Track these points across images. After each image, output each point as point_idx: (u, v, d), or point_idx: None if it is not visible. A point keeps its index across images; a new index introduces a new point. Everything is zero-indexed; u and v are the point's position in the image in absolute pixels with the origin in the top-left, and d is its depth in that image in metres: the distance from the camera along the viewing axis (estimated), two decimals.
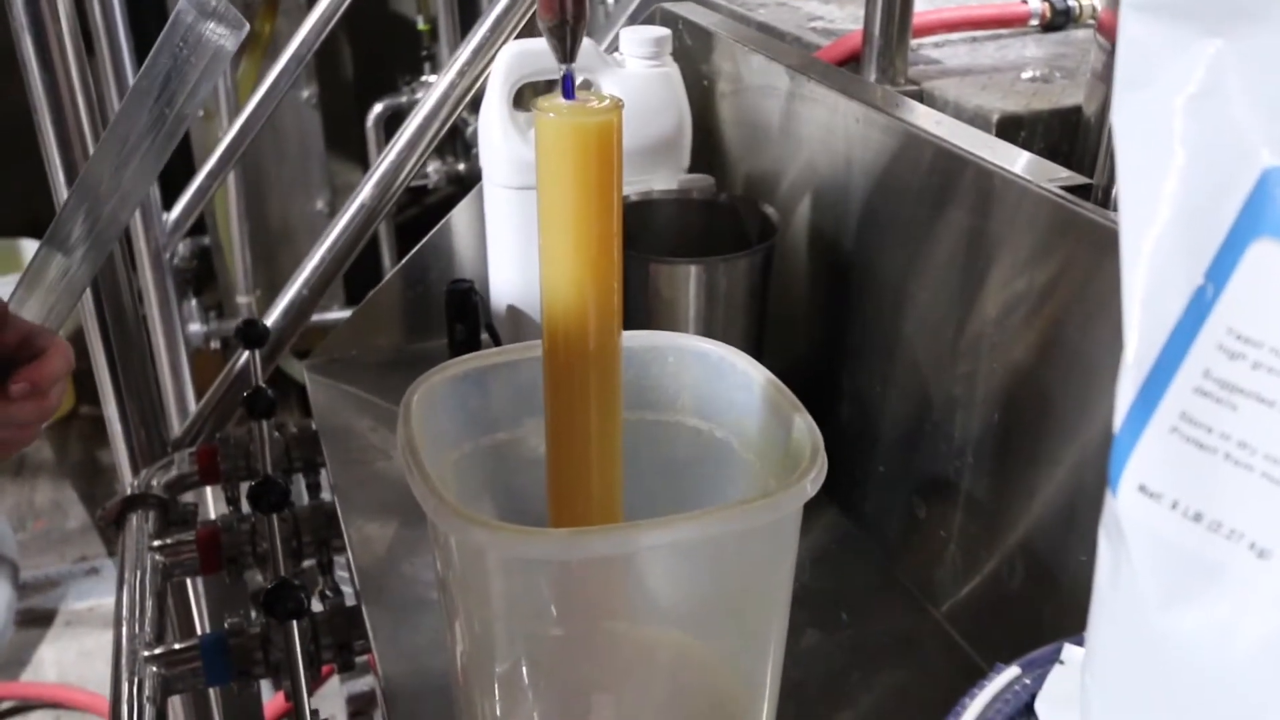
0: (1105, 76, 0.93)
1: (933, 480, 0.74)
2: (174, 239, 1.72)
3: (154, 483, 0.98)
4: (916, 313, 0.75)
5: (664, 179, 0.98)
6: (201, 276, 2.61)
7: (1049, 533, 0.64)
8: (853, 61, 1.12)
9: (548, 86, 1.06)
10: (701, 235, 0.88)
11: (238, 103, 2.12)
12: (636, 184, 0.95)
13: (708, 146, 1.01)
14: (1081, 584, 0.61)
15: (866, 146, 0.81)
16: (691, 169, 1.00)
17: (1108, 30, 0.92)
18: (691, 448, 0.67)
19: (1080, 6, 1.25)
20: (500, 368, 0.64)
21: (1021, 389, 0.65)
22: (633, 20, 1.30)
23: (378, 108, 2.41)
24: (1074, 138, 1.05)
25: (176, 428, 1.60)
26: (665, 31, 0.97)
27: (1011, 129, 1.02)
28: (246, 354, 1.04)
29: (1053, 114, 1.04)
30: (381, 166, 1.05)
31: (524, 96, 1.00)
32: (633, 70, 0.97)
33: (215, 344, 2.36)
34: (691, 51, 1.02)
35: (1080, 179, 0.62)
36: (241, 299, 2.33)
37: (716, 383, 0.65)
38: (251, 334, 1.00)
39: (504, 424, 0.66)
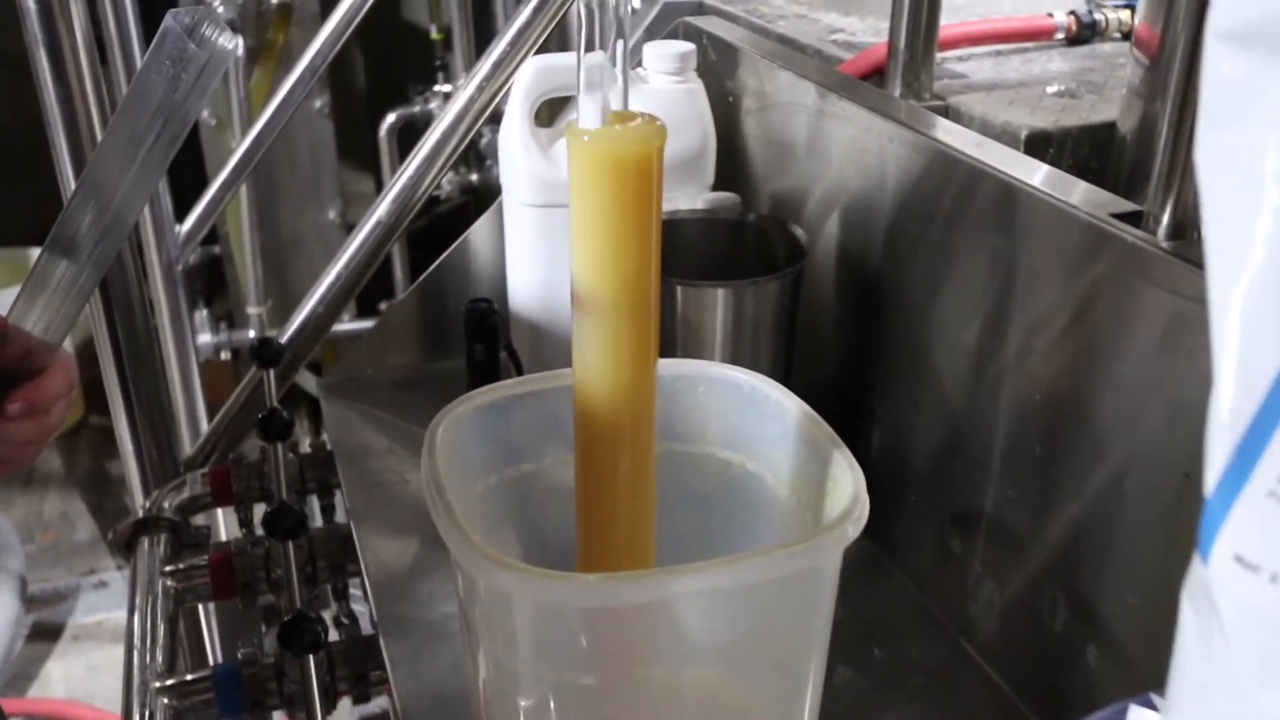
0: (1142, 92, 0.90)
1: (967, 511, 0.72)
2: (186, 251, 1.70)
3: (166, 505, 0.96)
4: (949, 337, 0.73)
5: (689, 197, 0.96)
6: (211, 286, 2.60)
7: (1092, 570, 0.62)
8: (876, 75, 1.11)
9: (560, 104, 1.05)
10: (728, 256, 0.86)
11: (249, 113, 2.11)
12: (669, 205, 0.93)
13: (733, 164, 0.99)
14: (1131, 627, 0.59)
15: (898, 165, 0.79)
16: (716, 186, 0.98)
17: (1145, 45, 0.90)
18: (722, 480, 0.65)
19: (1107, 20, 1.23)
20: (525, 398, 0.62)
21: (1062, 421, 0.63)
22: (650, 33, 1.28)
23: (390, 117, 2.40)
24: (1104, 154, 1.03)
25: (187, 443, 1.58)
26: (690, 47, 0.95)
27: (1040, 145, 1.00)
28: (260, 372, 1.02)
29: (1082, 130, 1.02)
30: (399, 182, 1.03)
31: (543, 112, 0.99)
32: (657, 86, 0.95)
33: (226, 355, 2.34)
34: (716, 67, 1.00)
35: (1129, 205, 0.60)
36: (252, 310, 2.32)
37: (749, 414, 0.63)
38: (266, 353, 0.98)
39: (529, 455, 0.63)
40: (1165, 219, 0.57)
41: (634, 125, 0.49)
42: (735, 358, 0.79)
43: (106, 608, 2.25)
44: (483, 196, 2.34)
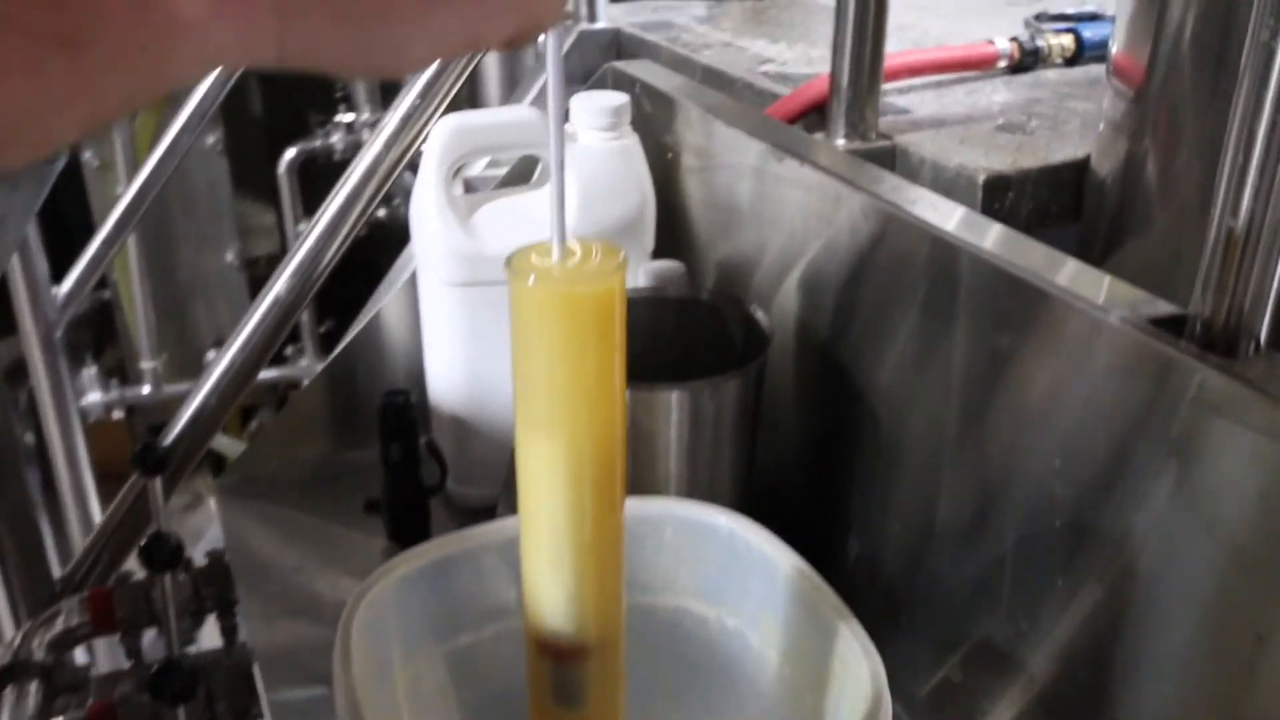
0: (1125, 127, 0.82)
1: (975, 644, 0.62)
2: (67, 313, 1.56)
3: (36, 642, 0.83)
4: (934, 436, 0.64)
5: (630, 267, 0.85)
6: (101, 335, 2.43)
7: None
8: (815, 111, 1.02)
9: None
10: (678, 341, 0.76)
11: (135, 155, 1.95)
12: None
13: (674, 227, 0.89)
14: None
15: (860, 236, 0.69)
16: (657, 253, 0.88)
17: (1126, 75, 0.81)
18: (696, 636, 0.54)
19: (1050, 47, 1.17)
20: (458, 559, 0.51)
21: (1093, 557, 0.54)
22: (570, 77, 1.18)
23: (290, 153, 2.25)
24: (1065, 196, 0.96)
25: (77, 531, 1.44)
26: (623, 99, 0.85)
27: (999, 190, 0.93)
28: (143, 480, 0.89)
29: (1042, 172, 0.96)
30: (298, 256, 0.91)
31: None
32: (587, 144, 0.84)
33: (118, 414, 2.18)
34: (651, 120, 0.90)
35: (1168, 308, 0.51)
36: (146, 364, 2.15)
37: (727, 562, 0.53)
38: (149, 459, 0.85)
39: (468, 625, 0.53)
40: (1213, 323, 0.48)
41: (587, 260, 0.39)
42: (693, 465, 0.69)
43: None
44: (391, 233, 2.21)
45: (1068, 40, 1.16)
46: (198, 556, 1.29)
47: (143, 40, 0.23)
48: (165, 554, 0.77)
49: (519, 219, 0.83)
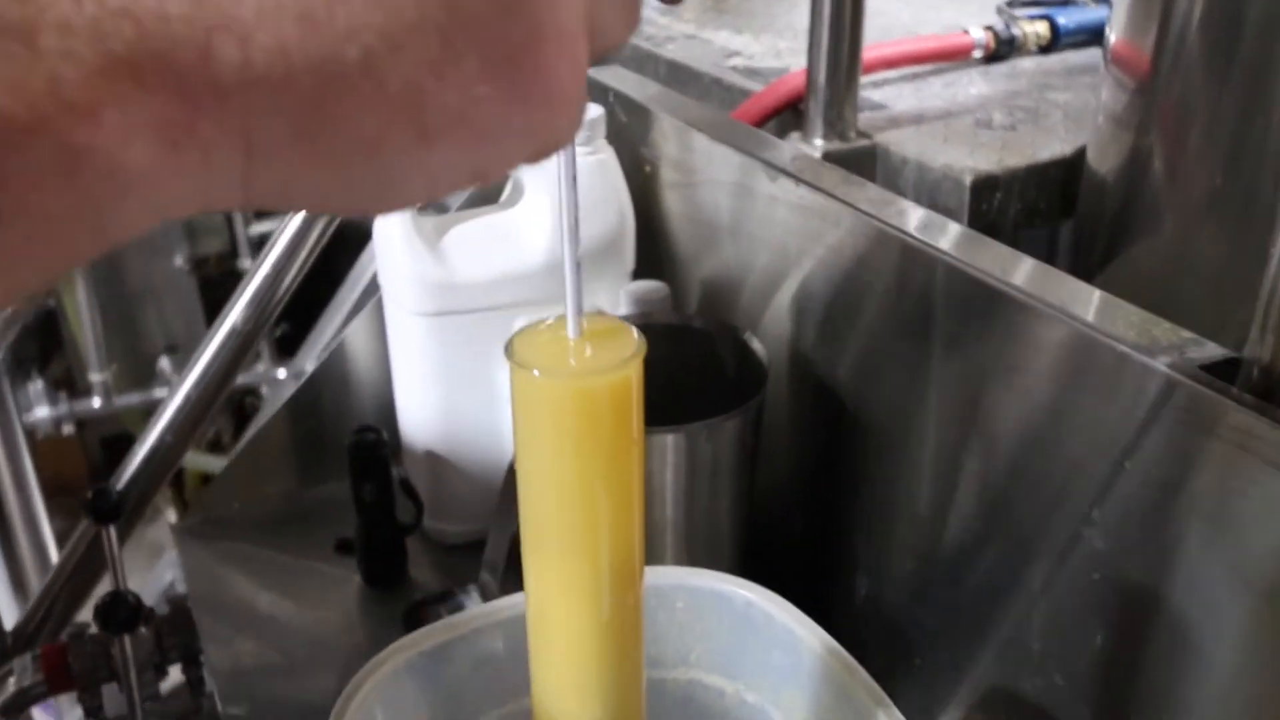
0: (1128, 121, 0.78)
1: (1004, 694, 0.59)
2: (8, 334, 1.49)
3: None
4: (949, 475, 0.60)
5: (607, 288, 0.81)
6: (47, 345, 2.34)
7: None
8: (790, 109, 0.98)
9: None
10: (666, 371, 0.71)
11: None
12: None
13: (654, 245, 0.84)
14: None
15: (864, 260, 0.65)
16: (638, 273, 0.83)
17: (1128, 64, 0.77)
18: (712, 709, 0.50)
19: (1025, 35, 1.14)
20: (459, 643, 0.47)
21: (1135, 612, 0.50)
22: None
23: None
24: (1052, 194, 0.93)
25: (33, 575, 1.37)
26: (599, 110, 0.80)
27: (987, 190, 0.90)
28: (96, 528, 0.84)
29: (1030, 171, 0.93)
30: (253, 283, 0.86)
31: None
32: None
33: (68, 428, 2.10)
34: (627, 131, 0.85)
35: (1219, 351, 0.47)
36: (95, 376, 2.08)
37: (746, 636, 0.48)
38: (102, 506, 0.80)
39: (470, 711, 0.48)
40: (1273, 369, 0.44)
41: (597, 340, 0.34)
42: (689, 511, 0.65)
43: None
44: (349, 238, 2.14)
45: (1043, 28, 1.14)
46: (160, 579, 1.23)
47: (75, 205, 0.18)
48: (123, 615, 0.72)
49: (492, 241, 0.79)
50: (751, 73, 1.11)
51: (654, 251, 0.84)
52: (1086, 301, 0.53)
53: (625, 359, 0.33)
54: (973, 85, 1.09)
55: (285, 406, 0.90)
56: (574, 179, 0.33)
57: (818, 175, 0.70)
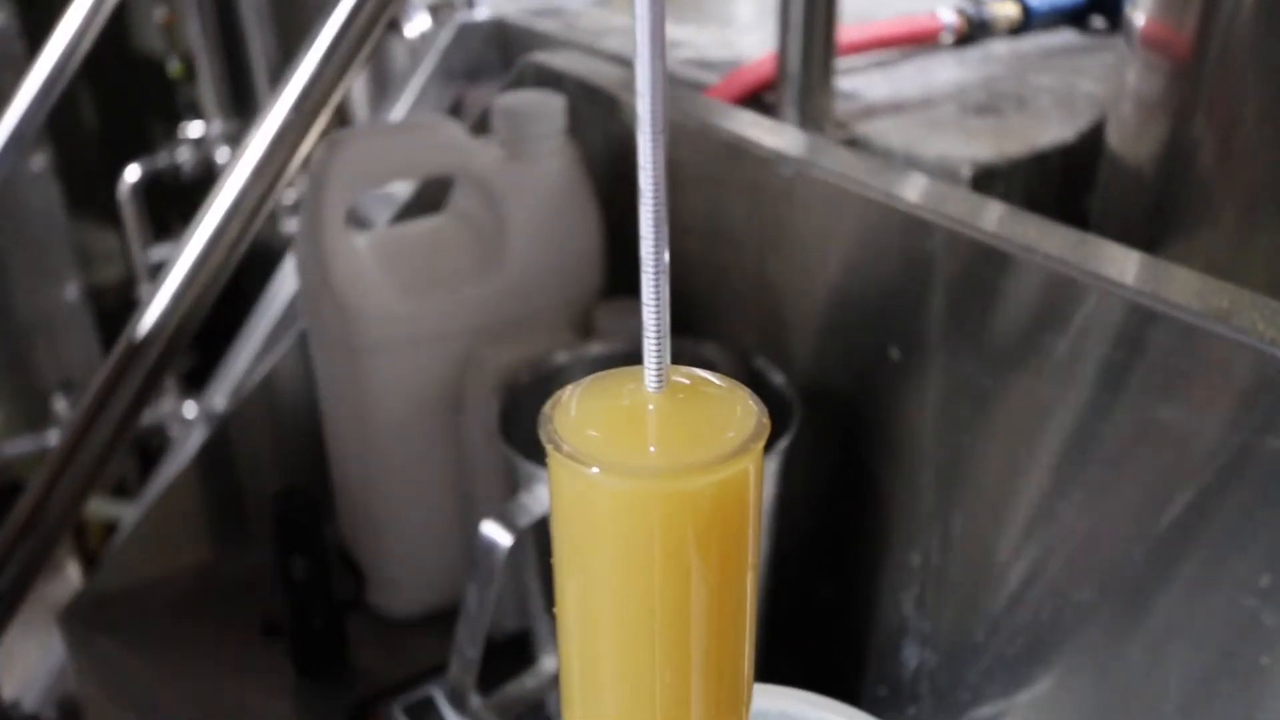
0: (1167, 107, 0.71)
1: None
2: None
3: None
4: (1031, 514, 0.49)
5: (571, 312, 0.68)
6: None
7: None
8: (754, 100, 0.89)
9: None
10: None
11: None
12: (544, 334, 0.65)
13: (628, 255, 0.71)
14: None
15: (901, 260, 0.54)
16: (611, 289, 0.71)
17: (1164, 46, 0.70)
18: None
19: (996, 17, 1.06)
20: None
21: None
22: (471, 77, 1.01)
23: (133, 172, 2.01)
24: (1053, 183, 0.85)
25: None
26: (558, 101, 0.68)
27: (987, 183, 0.82)
28: None
29: (1032, 160, 0.85)
30: (151, 310, 0.71)
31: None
32: (519, 161, 0.67)
33: None
34: (587, 123, 0.73)
35: None
36: None
37: None
38: None
39: None
40: None
41: (690, 420, 0.22)
42: None
43: None
44: (268, 258, 1.98)
45: (1014, 10, 1.07)
46: (49, 669, 1.07)
47: None
48: None
49: (436, 260, 0.66)
50: (704, 65, 1.01)
51: (628, 264, 0.71)
52: (1219, 299, 0.42)
53: (735, 455, 0.21)
54: (946, 70, 1.02)
55: (195, 460, 0.76)
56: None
57: (834, 160, 0.58)
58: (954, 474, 0.53)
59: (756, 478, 0.22)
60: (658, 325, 0.22)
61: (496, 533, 0.52)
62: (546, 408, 0.23)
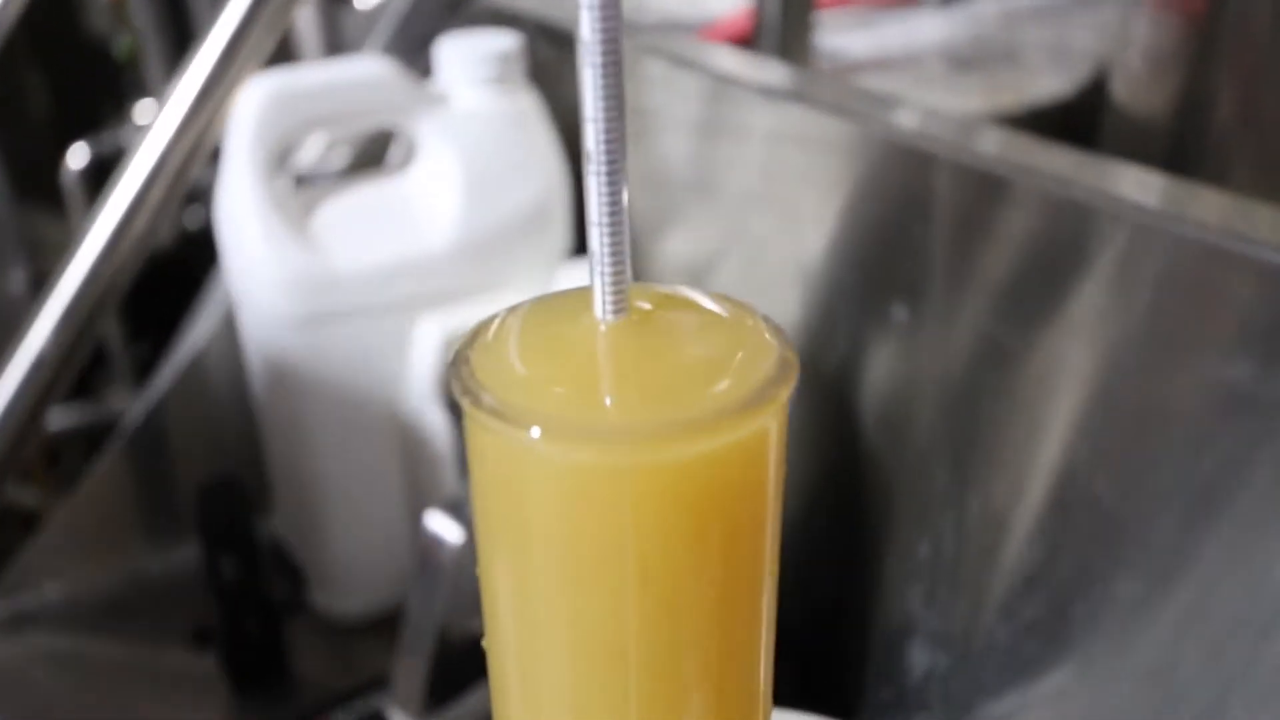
0: (1180, 60, 0.67)
1: None
2: None
3: None
4: (1061, 488, 0.42)
5: (536, 277, 0.61)
6: None
7: None
8: None
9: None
10: None
11: None
12: (502, 300, 0.58)
13: None
14: None
15: (925, 208, 0.47)
16: (579, 250, 0.64)
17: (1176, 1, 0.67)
18: None
19: None
20: None
21: None
22: (427, 25, 0.93)
23: (78, 156, 1.92)
24: (1055, 139, 0.81)
25: None
26: (513, 42, 0.60)
27: None
28: None
29: (1029, 114, 0.85)
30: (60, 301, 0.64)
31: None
32: (467, 107, 0.59)
33: None
34: (551, 70, 0.65)
35: None
36: None
37: None
38: None
39: None
40: None
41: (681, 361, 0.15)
42: None
43: None
44: (203, 246, 1.90)
45: None
46: None
47: None
48: None
49: (379, 220, 0.58)
50: (673, 25, 0.97)
51: None
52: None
53: (758, 386, 0.14)
54: (932, 26, 0.98)
55: (118, 452, 0.69)
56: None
57: (837, 94, 0.52)
58: (970, 450, 0.46)
59: (779, 441, 0.15)
60: (614, 224, 0.15)
61: (444, 526, 0.45)
62: (461, 345, 0.16)
